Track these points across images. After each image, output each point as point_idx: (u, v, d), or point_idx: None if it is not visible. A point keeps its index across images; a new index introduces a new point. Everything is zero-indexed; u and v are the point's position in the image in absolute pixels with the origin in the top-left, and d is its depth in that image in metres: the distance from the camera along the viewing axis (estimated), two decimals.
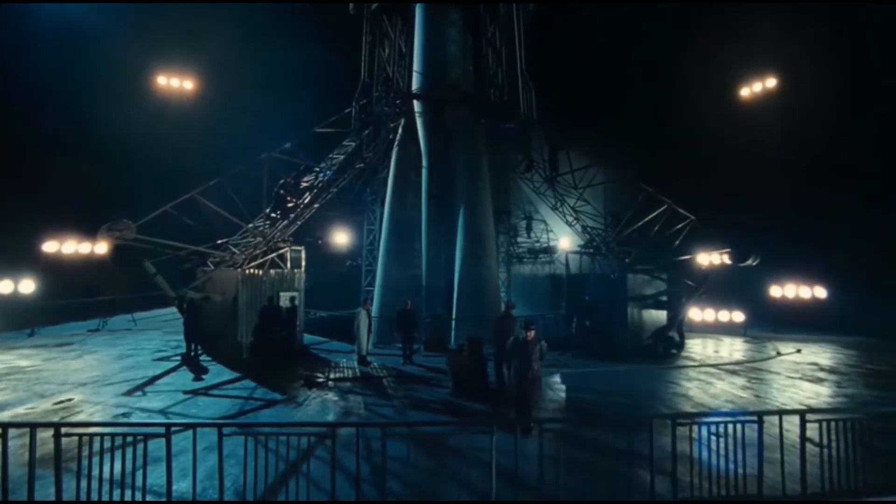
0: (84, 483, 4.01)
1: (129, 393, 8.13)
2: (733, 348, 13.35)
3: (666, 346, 12.26)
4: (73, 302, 17.17)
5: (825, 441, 4.46)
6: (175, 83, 18.98)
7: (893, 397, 8.25)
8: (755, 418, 4.52)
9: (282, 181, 13.54)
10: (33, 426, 4.07)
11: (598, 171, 14.61)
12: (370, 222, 19.47)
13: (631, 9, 21.69)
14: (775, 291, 15.93)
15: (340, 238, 19.26)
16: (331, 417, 7.03)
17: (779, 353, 12.32)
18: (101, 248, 16.46)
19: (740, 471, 4.32)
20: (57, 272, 14.30)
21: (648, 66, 21.82)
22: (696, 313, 14.21)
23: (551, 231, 22.79)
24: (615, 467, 4.27)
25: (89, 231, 16.15)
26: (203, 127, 21.20)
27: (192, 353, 11.14)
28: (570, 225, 15.15)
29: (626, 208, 13.77)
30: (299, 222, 13.86)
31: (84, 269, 16.45)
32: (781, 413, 5.18)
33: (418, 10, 18.62)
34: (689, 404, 7.80)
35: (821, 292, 15.21)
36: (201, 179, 12.14)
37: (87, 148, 19.50)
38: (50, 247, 13.36)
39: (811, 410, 5.01)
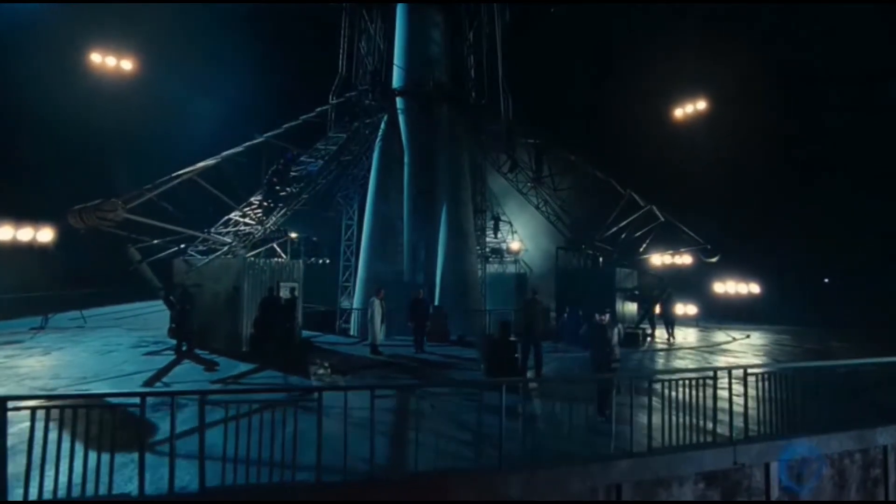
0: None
1: (148, 384, 7.48)
2: (695, 336, 15.08)
3: (643, 334, 13.57)
4: (2, 297, 14.98)
5: (763, 389, 5.28)
6: (111, 62, 17.28)
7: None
8: (711, 374, 5.22)
9: (273, 168, 13.03)
10: (174, 395, 3.83)
11: (579, 175, 15.76)
12: (348, 217, 19.12)
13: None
14: (718, 288, 18.28)
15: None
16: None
17: (734, 339, 14.18)
18: (45, 235, 14.77)
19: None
20: None
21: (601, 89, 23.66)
22: (657, 307, 15.85)
23: (515, 232, 23.85)
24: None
25: (27, 216, 14.38)
26: (144, 111, 19.79)
27: (184, 347, 10.34)
28: (553, 223, 16.14)
29: (594, 209, 15.08)
30: (289, 212, 13.39)
31: (19, 259, 14.53)
32: (730, 369, 5.79)
33: (400, 10, 18.79)
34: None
35: (755, 288, 17.75)
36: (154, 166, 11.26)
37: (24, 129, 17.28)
38: None
39: (751, 366, 6.02)
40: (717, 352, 11.84)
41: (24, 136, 18.66)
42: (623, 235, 14.08)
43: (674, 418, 4.87)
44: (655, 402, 4.91)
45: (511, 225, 23.78)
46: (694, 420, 4.95)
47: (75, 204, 10.00)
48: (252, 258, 11.27)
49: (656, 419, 4.81)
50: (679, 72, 21.06)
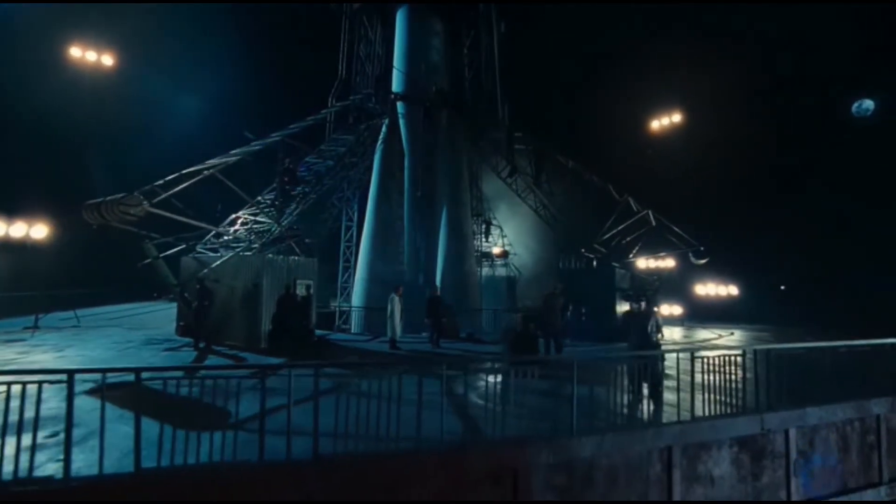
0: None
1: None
2: (683, 334, 16.06)
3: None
4: None
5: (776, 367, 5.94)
6: (91, 57, 17.07)
7: None
8: (740, 352, 5.95)
9: (284, 167, 13.19)
10: (265, 369, 4.14)
11: (576, 180, 16.59)
12: (348, 219, 19.30)
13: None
14: (700, 290, 19.49)
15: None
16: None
17: (720, 335, 15.24)
18: (39, 231, 14.43)
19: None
20: None
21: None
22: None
23: (505, 236, 24.57)
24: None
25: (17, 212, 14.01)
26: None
27: (202, 344, 10.36)
28: (552, 226, 16.89)
29: (589, 213, 15.95)
30: (301, 211, 13.56)
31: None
32: (755, 349, 6.47)
33: (400, 17, 19.33)
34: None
35: (734, 290, 19.04)
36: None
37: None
38: None
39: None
40: (708, 346, 12.72)
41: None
42: (618, 239, 14.96)
43: (707, 395, 5.52)
44: (684, 378, 5.55)
45: (501, 229, 24.52)
46: (721, 397, 5.62)
47: (53, 200, 9.90)
48: (271, 255, 11.39)
49: (685, 395, 5.45)
50: (655, 87, 22.58)
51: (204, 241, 12.39)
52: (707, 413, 5.44)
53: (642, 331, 6.37)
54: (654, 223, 15.09)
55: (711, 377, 5.63)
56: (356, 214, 19.37)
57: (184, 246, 11.74)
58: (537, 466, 4.42)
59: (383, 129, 18.11)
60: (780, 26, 21.38)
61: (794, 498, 5.62)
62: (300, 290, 11.79)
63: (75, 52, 16.40)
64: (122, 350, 10.02)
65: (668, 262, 17.36)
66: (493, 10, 19.60)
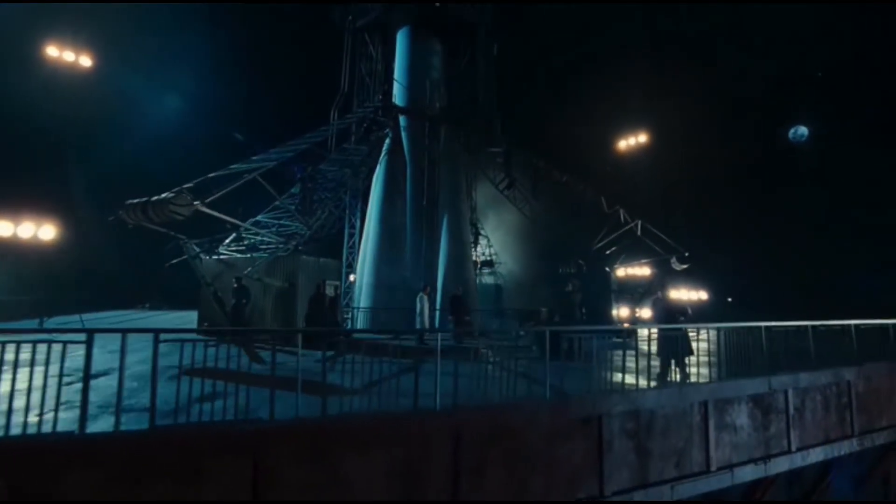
0: None
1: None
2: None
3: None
4: None
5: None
6: (69, 57, 17.17)
7: None
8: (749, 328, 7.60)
9: (304, 174, 13.89)
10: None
11: (569, 192, 18.16)
12: (351, 226, 19.98)
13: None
14: (673, 294, 21.50)
15: None
16: None
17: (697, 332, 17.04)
18: (47, 232, 14.44)
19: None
20: None
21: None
22: (624, 310, 18.59)
23: (492, 246, 25.92)
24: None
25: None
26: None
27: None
28: (542, 234, 18.34)
29: (580, 223, 17.59)
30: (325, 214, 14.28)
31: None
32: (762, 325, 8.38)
33: (401, 37, 20.53)
34: None
35: (703, 295, 21.18)
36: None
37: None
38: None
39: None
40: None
41: None
42: (609, 247, 16.57)
43: (723, 366, 6.91)
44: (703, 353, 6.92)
45: (488, 239, 25.85)
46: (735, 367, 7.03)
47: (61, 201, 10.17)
48: (305, 256, 12.02)
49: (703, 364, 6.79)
50: (622, 110, 25.06)
51: (226, 242, 12.85)
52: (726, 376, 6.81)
53: (664, 312, 7.79)
54: (639, 232, 16.83)
55: (727, 349, 7.01)
56: (358, 221, 20.09)
57: (206, 246, 12.16)
58: (615, 414, 5.52)
59: (387, 140, 19.07)
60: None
61: (794, 445, 7.01)
62: (328, 291, 12.47)
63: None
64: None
65: (645, 270, 19.23)
66: (486, 31, 21.21)
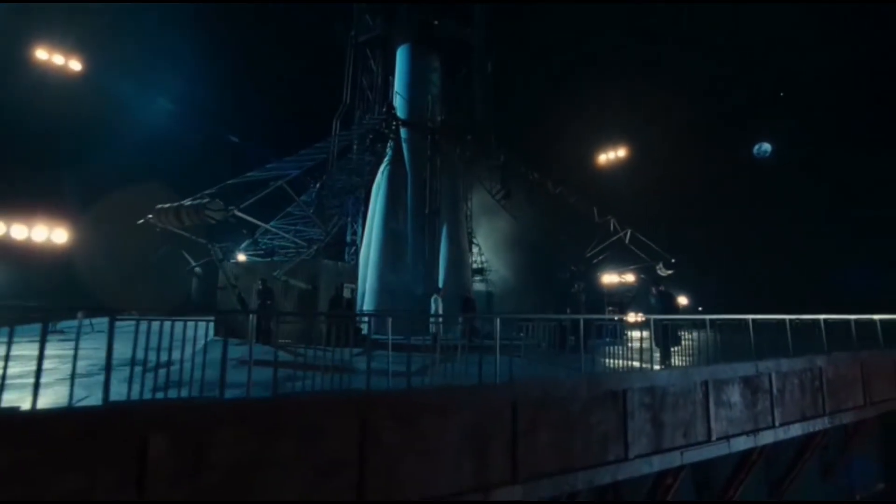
0: None
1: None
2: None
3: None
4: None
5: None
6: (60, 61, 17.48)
7: None
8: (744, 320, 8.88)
9: (321, 183, 14.62)
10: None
11: (561, 203, 19.38)
12: (352, 232, 20.65)
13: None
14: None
15: None
16: None
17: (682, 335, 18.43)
18: (60, 236, 14.72)
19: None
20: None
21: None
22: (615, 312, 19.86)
23: (482, 254, 26.96)
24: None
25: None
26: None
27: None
28: (540, 244, 19.48)
29: (571, 231, 18.87)
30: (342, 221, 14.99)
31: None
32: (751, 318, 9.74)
33: (401, 53, 21.58)
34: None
35: (683, 299, 22.72)
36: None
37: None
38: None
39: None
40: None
41: None
42: (599, 254, 17.84)
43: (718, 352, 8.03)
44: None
45: (479, 247, 26.88)
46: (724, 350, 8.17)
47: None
48: (326, 260, 12.70)
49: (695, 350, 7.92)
50: (605, 125, 26.84)
51: (242, 246, 13.42)
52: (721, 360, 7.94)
53: (664, 304, 8.93)
54: (628, 241, 18.16)
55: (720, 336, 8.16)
56: (360, 229, 20.79)
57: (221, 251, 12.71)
58: (636, 389, 6.51)
59: (389, 151, 19.93)
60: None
61: (777, 421, 8.16)
62: (346, 293, 13.16)
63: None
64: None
65: (630, 277, 20.59)
66: (480, 48, 22.47)
